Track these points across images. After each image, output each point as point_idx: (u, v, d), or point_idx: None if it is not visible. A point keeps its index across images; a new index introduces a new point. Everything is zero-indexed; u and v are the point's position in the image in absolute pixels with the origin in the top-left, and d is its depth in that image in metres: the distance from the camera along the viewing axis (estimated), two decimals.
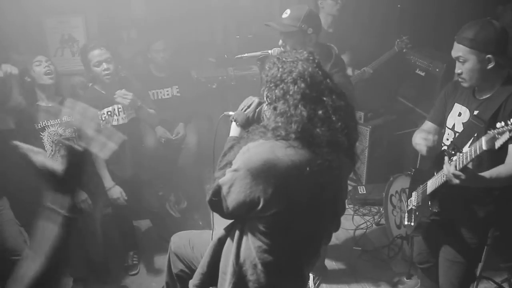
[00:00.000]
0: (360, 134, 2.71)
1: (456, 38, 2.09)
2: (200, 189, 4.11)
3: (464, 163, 1.91)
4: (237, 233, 1.70)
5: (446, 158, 2.05)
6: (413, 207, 2.44)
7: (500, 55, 2.02)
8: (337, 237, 3.75)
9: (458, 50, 2.08)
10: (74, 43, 4.07)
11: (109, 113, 3.06)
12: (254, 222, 1.62)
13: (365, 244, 3.64)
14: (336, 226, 1.88)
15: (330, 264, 3.38)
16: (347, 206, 4.26)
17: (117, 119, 3.10)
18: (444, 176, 2.04)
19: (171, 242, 2.22)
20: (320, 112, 1.52)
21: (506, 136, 1.68)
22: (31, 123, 2.80)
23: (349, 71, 3.88)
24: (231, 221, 1.80)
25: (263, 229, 1.60)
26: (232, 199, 1.57)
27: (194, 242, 2.11)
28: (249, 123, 1.86)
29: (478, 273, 2.54)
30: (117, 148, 1.17)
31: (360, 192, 4.25)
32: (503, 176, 1.98)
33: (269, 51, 2.15)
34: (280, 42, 2.52)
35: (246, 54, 2.64)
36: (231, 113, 1.96)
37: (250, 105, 1.91)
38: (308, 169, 1.48)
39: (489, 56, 2.01)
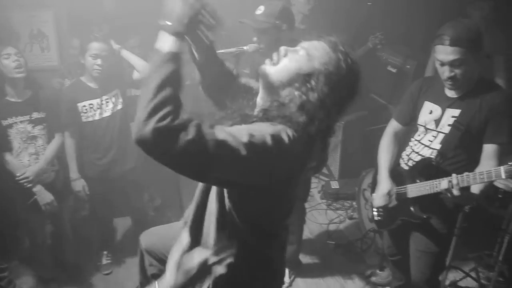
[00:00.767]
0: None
1: (449, 42, 1.97)
2: (173, 187, 4.07)
3: (471, 183, 1.96)
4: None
5: (453, 176, 2.02)
6: (388, 205, 2.44)
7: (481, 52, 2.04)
8: (311, 232, 3.81)
9: (454, 53, 1.97)
10: (44, 38, 3.96)
11: (90, 105, 3.00)
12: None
13: (338, 238, 3.71)
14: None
15: (304, 258, 3.42)
16: (320, 201, 4.35)
17: (101, 112, 3.03)
18: (439, 189, 2.08)
19: (141, 241, 2.19)
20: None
21: None
22: None
23: None
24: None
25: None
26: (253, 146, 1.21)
27: (164, 235, 2.10)
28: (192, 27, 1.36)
29: (447, 262, 2.62)
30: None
31: (333, 187, 4.32)
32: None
33: (245, 48, 2.15)
34: (255, 39, 2.53)
35: (221, 51, 2.64)
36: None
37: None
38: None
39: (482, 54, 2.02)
